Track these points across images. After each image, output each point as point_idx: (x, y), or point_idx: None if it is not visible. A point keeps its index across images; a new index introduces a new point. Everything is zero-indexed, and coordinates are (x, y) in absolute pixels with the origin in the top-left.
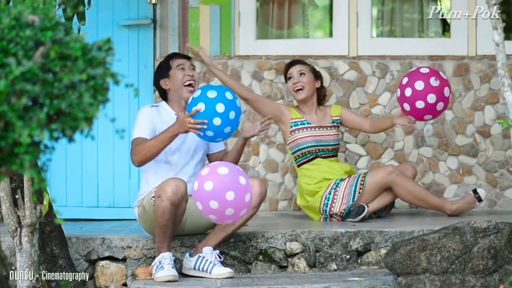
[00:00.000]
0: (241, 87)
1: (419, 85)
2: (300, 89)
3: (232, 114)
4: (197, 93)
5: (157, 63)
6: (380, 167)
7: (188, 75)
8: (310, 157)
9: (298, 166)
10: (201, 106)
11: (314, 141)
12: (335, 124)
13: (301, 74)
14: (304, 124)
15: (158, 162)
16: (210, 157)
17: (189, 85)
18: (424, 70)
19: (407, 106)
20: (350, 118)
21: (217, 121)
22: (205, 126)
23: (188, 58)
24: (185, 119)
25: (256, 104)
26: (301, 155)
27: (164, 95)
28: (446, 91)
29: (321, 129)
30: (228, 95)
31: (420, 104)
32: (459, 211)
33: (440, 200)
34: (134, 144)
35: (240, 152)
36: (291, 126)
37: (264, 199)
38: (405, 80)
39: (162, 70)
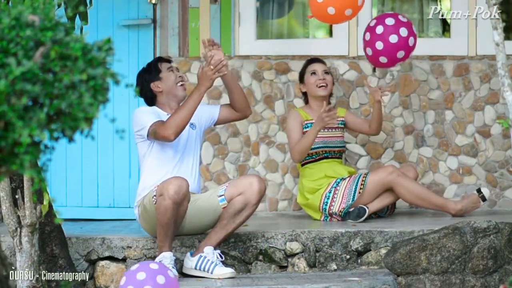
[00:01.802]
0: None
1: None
2: (324, 86)
3: None
4: None
5: None
6: (381, 167)
7: (180, 76)
8: (316, 158)
9: (302, 165)
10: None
11: (322, 142)
12: (340, 125)
13: (326, 72)
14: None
15: (157, 159)
16: (220, 120)
17: (182, 84)
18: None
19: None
20: (352, 120)
21: None
22: (225, 64)
23: (171, 61)
24: (208, 72)
25: None
26: (307, 156)
27: (151, 99)
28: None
29: (328, 130)
30: None
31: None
32: (463, 211)
33: (444, 200)
34: (157, 126)
35: (236, 83)
36: (303, 128)
37: (263, 196)
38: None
39: (153, 74)
